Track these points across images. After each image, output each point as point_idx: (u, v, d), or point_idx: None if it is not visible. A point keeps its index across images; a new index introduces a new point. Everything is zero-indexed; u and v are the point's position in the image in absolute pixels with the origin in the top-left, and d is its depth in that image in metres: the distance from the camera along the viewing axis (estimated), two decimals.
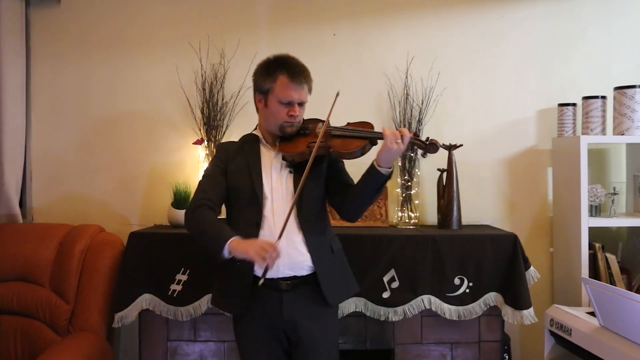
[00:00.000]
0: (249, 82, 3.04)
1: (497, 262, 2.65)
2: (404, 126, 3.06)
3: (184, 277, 2.66)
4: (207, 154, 3.06)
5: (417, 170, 3.04)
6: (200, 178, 2.23)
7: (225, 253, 1.98)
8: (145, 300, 2.67)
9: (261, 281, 1.99)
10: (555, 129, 3.08)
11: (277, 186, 2.15)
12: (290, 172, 2.17)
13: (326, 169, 2.21)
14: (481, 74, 3.15)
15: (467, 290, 2.65)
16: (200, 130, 3.09)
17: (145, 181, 3.16)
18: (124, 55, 3.16)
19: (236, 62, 3.09)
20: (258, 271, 2.07)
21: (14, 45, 3.02)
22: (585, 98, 2.94)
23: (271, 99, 2.14)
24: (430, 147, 2.08)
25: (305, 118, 2.22)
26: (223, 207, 2.23)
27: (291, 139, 2.18)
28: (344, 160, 2.23)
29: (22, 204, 3.11)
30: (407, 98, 3.07)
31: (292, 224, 2.11)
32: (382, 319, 2.61)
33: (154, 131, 3.16)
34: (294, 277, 2.12)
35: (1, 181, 2.93)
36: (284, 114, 2.13)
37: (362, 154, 2.10)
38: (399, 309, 2.61)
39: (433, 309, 2.63)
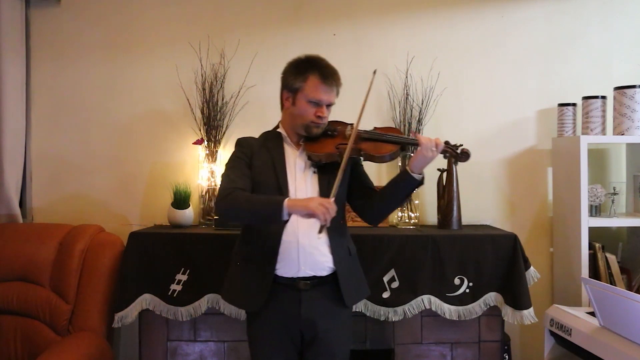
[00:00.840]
0: (249, 82, 3.11)
1: (497, 262, 2.65)
2: (404, 126, 3.06)
3: (184, 277, 2.66)
4: (207, 154, 3.06)
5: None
6: (223, 172, 2.18)
7: (285, 213, 1.94)
8: (145, 300, 2.67)
9: (320, 235, 1.98)
10: (555, 129, 3.08)
11: (301, 185, 2.15)
12: (315, 172, 2.17)
13: (349, 172, 2.21)
14: (481, 74, 3.15)
15: (467, 290, 2.65)
16: (200, 130, 3.09)
17: (145, 181, 3.16)
18: (124, 55, 3.16)
19: (236, 62, 3.09)
20: (283, 270, 2.09)
21: (14, 45, 3.02)
22: (585, 98, 2.94)
23: (300, 97, 2.13)
24: (462, 155, 2.16)
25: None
26: None
27: (317, 139, 2.18)
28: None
29: (22, 204, 3.11)
30: (407, 98, 3.07)
31: (317, 224, 2.09)
32: (382, 319, 2.61)
33: (154, 131, 3.16)
34: (314, 277, 2.13)
35: (1, 181, 2.93)
36: (311, 114, 2.13)
37: (391, 159, 2.15)
38: (399, 309, 2.61)
39: (433, 309, 2.63)
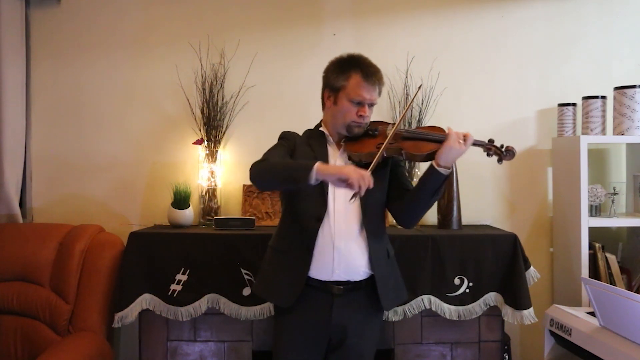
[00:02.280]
0: (249, 82, 3.11)
1: (497, 262, 2.65)
2: (404, 126, 3.06)
3: (184, 277, 2.66)
4: (207, 154, 3.06)
5: (417, 170, 3.04)
6: (263, 154, 2.10)
7: (313, 176, 1.87)
8: (145, 300, 2.66)
9: (352, 200, 1.92)
10: (555, 129, 3.09)
11: None
12: None
13: (389, 173, 2.17)
14: (481, 74, 3.15)
15: (467, 290, 2.65)
16: (200, 130, 3.09)
17: (145, 181, 3.16)
18: (124, 55, 3.16)
19: (236, 62, 3.09)
20: (316, 272, 2.07)
21: (14, 45, 3.02)
22: (585, 98, 2.94)
23: (342, 97, 2.10)
24: (507, 153, 2.11)
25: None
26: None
27: (358, 139, 2.15)
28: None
29: (22, 204, 3.11)
30: (407, 98, 3.07)
31: (355, 227, 2.09)
32: (382, 319, 2.61)
33: (154, 131, 3.16)
34: (348, 282, 2.10)
35: (1, 181, 2.93)
36: (353, 114, 2.09)
37: (433, 159, 2.06)
38: (399, 309, 2.61)
39: (433, 309, 2.63)
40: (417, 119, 3.05)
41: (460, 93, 3.13)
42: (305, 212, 2.10)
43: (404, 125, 2.08)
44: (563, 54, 3.16)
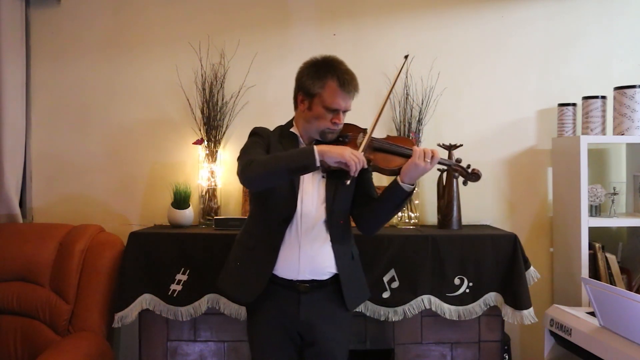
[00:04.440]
0: (249, 82, 3.11)
1: (497, 262, 2.65)
2: (404, 126, 3.06)
3: (184, 277, 2.66)
4: (207, 154, 3.06)
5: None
6: (239, 155, 2.10)
7: (317, 159, 1.90)
8: (145, 300, 2.67)
9: (348, 181, 1.96)
10: (555, 129, 3.08)
11: (308, 188, 2.12)
12: (323, 177, 2.13)
13: (356, 179, 2.16)
14: (481, 74, 3.15)
15: (467, 290, 2.65)
16: (200, 130, 3.09)
17: (145, 181, 3.16)
18: (124, 55, 3.16)
19: (236, 62, 3.09)
20: (282, 271, 2.09)
21: (14, 45, 3.02)
22: (585, 98, 2.94)
23: (317, 103, 2.07)
24: (473, 176, 2.12)
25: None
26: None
27: (328, 144, 2.13)
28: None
29: (22, 204, 3.11)
30: (407, 98, 3.07)
31: (321, 229, 2.11)
32: (382, 319, 2.61)
33: (154, 131, 3.16)
34: (313, 281, 2.12)
35: (1, 181, 2.93)
36: (327, 121, 2.08)
37: (398, 174, 2.07)
38: (399, 309, 2.61)
39: (433, 309, 2.63)
40: (417, 119, 3.05)
41: (460, 93, 3.13)
42: (274, 212, 2.11)
43: (376, 120, 2.08)
44: (563, 54, 3.16)
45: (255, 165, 1.97)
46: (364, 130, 2.17)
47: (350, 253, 2.21)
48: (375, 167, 2.10)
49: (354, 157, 1.90)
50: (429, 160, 2.00)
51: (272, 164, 1.97)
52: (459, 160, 2.13)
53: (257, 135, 2.17)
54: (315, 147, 1.92)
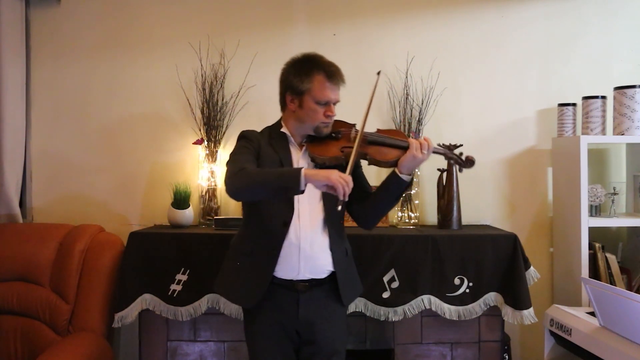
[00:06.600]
0: (249, 82, 3.11)
1: (497, 262, 2.65)
2: (404, 126, 3.06)
3: (184, 277, 2.66)
4: (207, 154, 3.06)
5: (417, 170, 3.04)
6: (228, 160, 2.09)
7: (302, 183, 1.89)
8: (145, 300, 2.67)
9: (339, 207, 1.92)
10: (555, 129, 3.09)
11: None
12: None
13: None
14: (481, 74, 3.15)
15: (467, 290, 2.65)
16: (200, 130, 3.09)
17: (145, 181, 3.16)
18: (124, 55, 3.17)
19: (236, 62, 3.09)
20: (282, 272, 2.09)
21: (14, 45, 3.02)
22: (585, 98, 2.94)
23: (307, 99, 2.09)
24: (467, 162, 2.19)
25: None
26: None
27: (321, 141, 2.15)
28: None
29: (22, 204, 3.11)
30: (407, 98, 3.07)
31: (319, 227, 2.11)
32: (382, 319, 2.61)
33: (154, 131, 3.16)
34: (312, 280, 2.13)
35: (1, 181, 2.93)
36: (321, 115, 2.10)
37: (397, 165, 2.10)
38: (399, 309, 2.61)
39: (433, 309, 2.63)
40: (417, 119, 3.05)
41: (460, 93, 3.13)
42: (271, 216, 2.11)
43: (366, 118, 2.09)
44: (563, 54, 3.16)
45: (244, 178, 1.96)
46: (354, 126, 2.19)
47: (344, 250, 2.22)
48: (372, 160, 2.12)
49: (341, 180, 1.88)
50: (425, 151, 2.07)
51: (259, 181, 1.96)
52: (452, 148, 2.17)
53: (246, 139, 2.17)
54: (303, 171, 1.90)
